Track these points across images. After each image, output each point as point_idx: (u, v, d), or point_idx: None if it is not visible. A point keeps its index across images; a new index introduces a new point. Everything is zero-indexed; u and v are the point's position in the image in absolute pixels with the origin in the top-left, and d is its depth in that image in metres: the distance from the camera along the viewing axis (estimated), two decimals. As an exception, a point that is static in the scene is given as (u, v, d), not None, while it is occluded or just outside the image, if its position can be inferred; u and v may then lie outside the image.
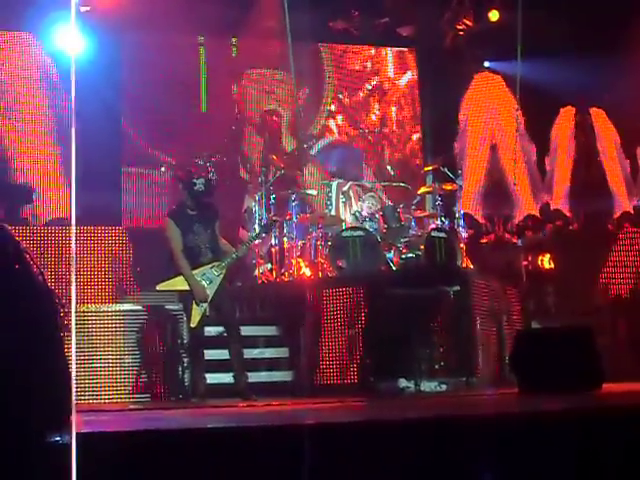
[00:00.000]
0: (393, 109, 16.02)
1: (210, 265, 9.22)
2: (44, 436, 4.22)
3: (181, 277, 9.19)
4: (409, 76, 16.12)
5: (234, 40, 14.94)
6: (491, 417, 5.58)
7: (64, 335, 5.00)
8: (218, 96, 14.74)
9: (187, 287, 9.16)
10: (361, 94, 15.94)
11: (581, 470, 5.01)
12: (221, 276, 9.22)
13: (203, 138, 14.09)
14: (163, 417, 7.51)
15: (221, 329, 9.55)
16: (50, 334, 4.85)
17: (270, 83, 15.14)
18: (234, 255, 9.38)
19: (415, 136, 16.00)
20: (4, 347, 4.50)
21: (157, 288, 9.45)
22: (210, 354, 9.62)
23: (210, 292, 9.15)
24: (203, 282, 9.15)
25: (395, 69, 16.15)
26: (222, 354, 9.69)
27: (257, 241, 10.80)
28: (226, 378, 9.65)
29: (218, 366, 9.79)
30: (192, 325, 9.15)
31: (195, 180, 9.39)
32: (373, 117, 15.98)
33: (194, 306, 9.11)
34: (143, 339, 10.02)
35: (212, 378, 9.61)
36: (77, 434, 3.86)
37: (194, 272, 9.17)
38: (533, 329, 11.33)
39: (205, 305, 9.10)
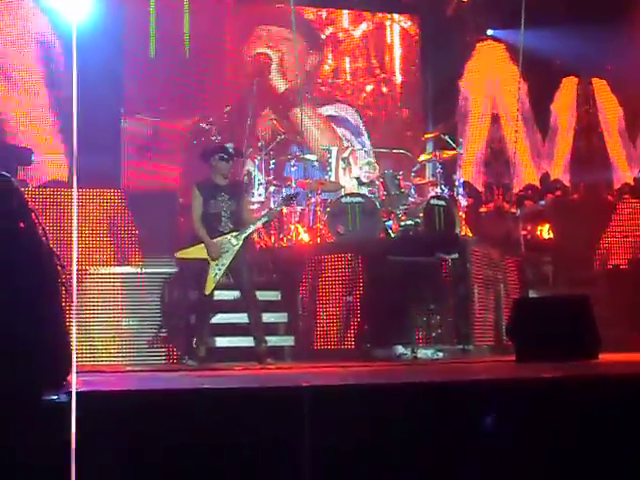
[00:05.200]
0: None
1: (229, 235, 9.27)
2: (41, 394, 4.24)
3: (199, 246, 9.25)
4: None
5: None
6: (486, 382, 5.59)
7: (65, 296, 5.01)
8: (224, 58, 14.68)
9: (205, 256, 9.22)
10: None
11: (575, 436, 5.05)
12: (237, 246, 9.26)
13: (205, 100, 14.05)
14: (161, 378, 7.55)
15: (235, 294, 9.68)
16: (51, 296, 4.86)
17: (276, 40, 15.05)
18: (252, 226, 9.45)
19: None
20: (4, 306, 4.51)
21: (176, 256, 9.58)
22: (219, 318, 9.82)
23: (226, 261, 9.21)
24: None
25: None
26: (230, 318, 9.99)
27: (276, 213, 10.78)
28: (229, 342, 9.90)
29: (224, 330, 9.95)
30: (206, 293, 9.23)
31: (218, 152, 9.53)
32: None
33: (210, 274, 9.19)
34: (143, 302, 10.04)
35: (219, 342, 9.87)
36: (75, 393, 3.87)
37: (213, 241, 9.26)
38: (530, 298, 11.32)
39: (219, 273, 9.15)
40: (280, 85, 14.90)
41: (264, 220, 9.79)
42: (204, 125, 12.49)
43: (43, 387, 4.35)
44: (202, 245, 9.25)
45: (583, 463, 4.94)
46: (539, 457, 4.91)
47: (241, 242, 9.30)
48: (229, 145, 9.63)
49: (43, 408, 4.13)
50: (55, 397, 4.19)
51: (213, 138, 12.26)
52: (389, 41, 15.95)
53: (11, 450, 4.00)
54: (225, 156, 9.45)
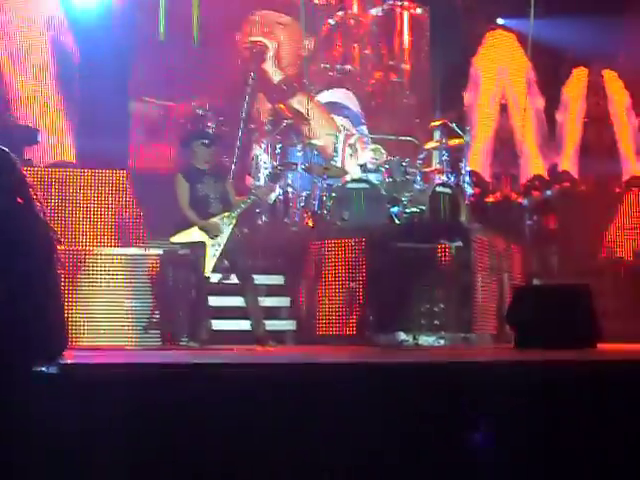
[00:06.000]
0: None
1: (220, 216, 9.33)
2: (32, 365, 4.28)
3: (192, 229, 9.30)
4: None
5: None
6: (484, 364, 5.63)
7: (63, 274, 5.05)
8: (223, 43, 14.64)
9: (200, 238, 9.27)
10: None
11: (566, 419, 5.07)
12: (231, 226, 9.33)
13: (208, 85, 14.04)
14: (164, 354, 7.63)
15: (221, 276, 9.66)
16: (46, 271, 4.89)
17: (272, 25, 15.03)
18: (242, 205, 9.49)
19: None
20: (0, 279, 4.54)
21: (170, 240, 9.57)
22: (215, 301, 9.74)
23: (222, 241, 9.26)
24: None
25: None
26: (226, 301, 9.92)
27: (264, 190, 10.82)
28: (231, 325, 9.86)
29: (221, 313, 9.92)
30: (206, 274, 9.26)
31: (199, 137, 9.68)
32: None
33: (207, 254, 9.22)
34: (148, 283, 10.05)
35: (217, 324, 9.73)
36: (65, 364, 3.92)
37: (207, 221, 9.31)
38: (531, 285, 11.31)
39: (217, 253, 9.20)
40: (275, 76, 14.85)
41: (252, 199, 9.80)
42: (200, 111, 12.53)
43: (35, 359, 4.38)
44: (195, 228, 9.30)
45: (571, 447, 4.97)
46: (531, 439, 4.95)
47: (234, 222, 9.36)
48: (209, 130, 9.70)
49: (32, 378, 4.17)
50: (43, 369, 4.23)
51: (210, 124, 12.29)
52: (399, 28, 15.89)
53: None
54: (206, 141, 9.57)
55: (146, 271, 10.03)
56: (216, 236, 9.24)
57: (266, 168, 11.98)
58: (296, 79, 14.79)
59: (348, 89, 15.34)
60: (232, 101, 13.90)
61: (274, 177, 10.70)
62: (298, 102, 13.97)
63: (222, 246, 9.27)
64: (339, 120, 14.91)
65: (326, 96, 15.12)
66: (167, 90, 13.82)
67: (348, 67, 15.51)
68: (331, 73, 15.38)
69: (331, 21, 15.47)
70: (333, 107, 15.06)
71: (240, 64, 14.63)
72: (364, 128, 14.90)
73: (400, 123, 14.87)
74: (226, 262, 9.49)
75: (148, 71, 13.58)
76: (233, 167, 12.70)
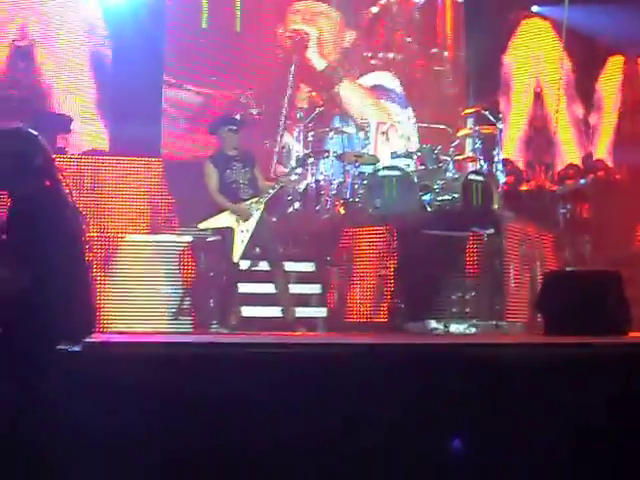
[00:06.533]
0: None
1: (249, 201, 9.35)
2: (56, 344, 4.33)
3: (222, 214, 9.32)
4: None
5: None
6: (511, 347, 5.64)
7: (95, 260, 5.10)
8: (264, 32, 14.68)
9: (228, 224, 9.30)
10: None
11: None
12: (259, 212, 9.36)
13: (249, 74, 14.08)
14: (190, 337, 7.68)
15: (250, 262, 9.71)
16: (74, 254, 4.93)
17: (313, 14, 15.03)
18: (270, 191, 9.54)
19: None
20: (28, 261, 4.59)
21: (199, 227, 9.64)
22: (245, 287, 9.79)
23: (251, 227, 9.29)
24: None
25: None
26: (256, 288, 9.98)
27: (293, 177, 10.87)
28: (261, 311, 9.93)
29: (251, 299, 9.94)
30: (235, 260, 9.31)
31: (227, 124, 9.73)
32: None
33: (235, 241, 9.26)
34: (179, 270, 10.10)
35: (247, 311, 9.83)
36: (88, 343, 3.96)
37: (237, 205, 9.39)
38: (561, 271, 11.23)
39: (245, 239, 9.24)
40: (319, 64, 14.84)
41: (281, 185, 9.86)
42: (242, 99, 12.56)
43: (60, 338, 4.43)
44: (224, 214, 9.39)
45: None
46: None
47: (262, 207, 9.43)
48: (237, 116, 9.74)
49: (56, 355, 4.23)
50: (67, 347, 4.29)
51: (252, 111, 12.31)
52: (440, 15, 15.84)
53: (22, 391, 4.11)
54: (234, 127, 9.65)
55: (177, 258, 10.09)
56: (247, 220, 9.27)
57: (297, 156, 12.01)
58: (339, 66, 14.79)
59: (392, 73, 15.33)
60: (274, 90, 13.93)
61: (303, 164, 10.74)
62: (344, 88, 13.95)
63: (250, 232, 9.31)
64: (386, 104, 14.91)
65: (370, 79, 15.12)
66: (209, 78, 13.87)
67: (391, 55, 15.50)
68: (373, 61, 15.37)
69: (373, 9, 15.47)
70: (379, 90, 15.06)
71: (282, 53, 14.66)
72: (410, 110, 14.88)
73: (442, 111, 14.82)
74: (257, 249, 9.54)
75: (189, 59, 13.63)
76: (275, 155, 12.81)
